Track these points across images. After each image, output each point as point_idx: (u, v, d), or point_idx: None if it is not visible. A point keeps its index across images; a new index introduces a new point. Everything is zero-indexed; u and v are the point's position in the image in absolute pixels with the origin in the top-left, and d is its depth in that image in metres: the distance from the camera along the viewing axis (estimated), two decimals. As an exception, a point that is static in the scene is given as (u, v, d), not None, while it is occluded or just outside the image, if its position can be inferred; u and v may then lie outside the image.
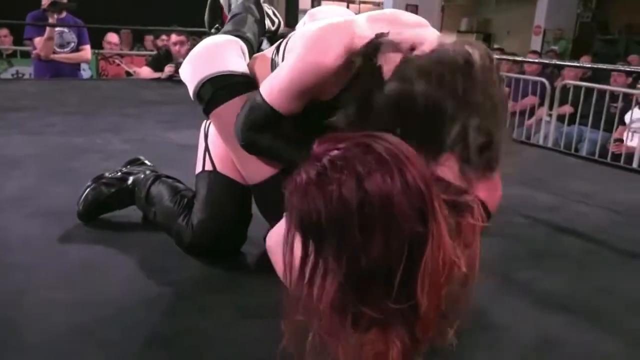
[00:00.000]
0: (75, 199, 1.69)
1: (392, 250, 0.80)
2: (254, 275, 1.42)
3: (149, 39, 7.14)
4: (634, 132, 4.41)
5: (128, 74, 5.22)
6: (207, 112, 1.42)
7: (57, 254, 1.46)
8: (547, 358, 1.10)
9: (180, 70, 1.49)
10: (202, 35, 5.60)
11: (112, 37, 5.91)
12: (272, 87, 1.20)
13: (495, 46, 9.85)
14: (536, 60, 5.76)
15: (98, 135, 2.82)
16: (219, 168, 1.44)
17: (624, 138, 4.50)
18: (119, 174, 1.71)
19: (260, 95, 1.21)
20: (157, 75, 4.87)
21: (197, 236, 1.42)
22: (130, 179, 1.67)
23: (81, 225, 1.65)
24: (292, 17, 5.12)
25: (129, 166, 1.78)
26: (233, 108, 1.31)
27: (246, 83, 1.38)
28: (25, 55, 5.59)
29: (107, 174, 1.71)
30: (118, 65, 5.33)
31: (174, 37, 4.79)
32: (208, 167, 1.46)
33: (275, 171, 1.31)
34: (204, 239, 1.42)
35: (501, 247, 1.64)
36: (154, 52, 5.48)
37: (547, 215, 1.96)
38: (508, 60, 5.33)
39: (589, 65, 5.24)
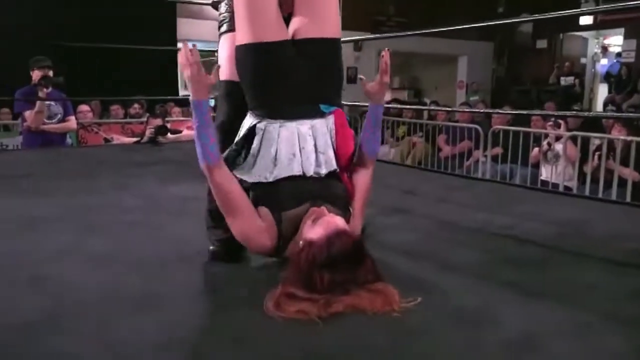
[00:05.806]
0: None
1: None
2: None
3: (113, 108, 7.27)
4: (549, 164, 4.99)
5: (106, 140, 5.36)
6: None
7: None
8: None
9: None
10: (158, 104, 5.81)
11: (84, 107, 6.04)
12: None
13: (427, 100, 10.57)
14: (481, 110, 6.32)
15: (106, 194, 2.96)
16: None
17: (540, 171, 5.08)
18: None
19: None
20: (136, 139, 5.04)
21: None
22: None
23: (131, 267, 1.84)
24: None
25: None
26: None
27: None
28: (6, 128, 5.64)
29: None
30: (96, 133, 5.47)
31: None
32: None
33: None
34: None
35: (480, 256, 1.96)
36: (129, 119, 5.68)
37: (508, 231, 2.29)
38: (446, 111, 5.84)
39: (524, 112, 5.82)
